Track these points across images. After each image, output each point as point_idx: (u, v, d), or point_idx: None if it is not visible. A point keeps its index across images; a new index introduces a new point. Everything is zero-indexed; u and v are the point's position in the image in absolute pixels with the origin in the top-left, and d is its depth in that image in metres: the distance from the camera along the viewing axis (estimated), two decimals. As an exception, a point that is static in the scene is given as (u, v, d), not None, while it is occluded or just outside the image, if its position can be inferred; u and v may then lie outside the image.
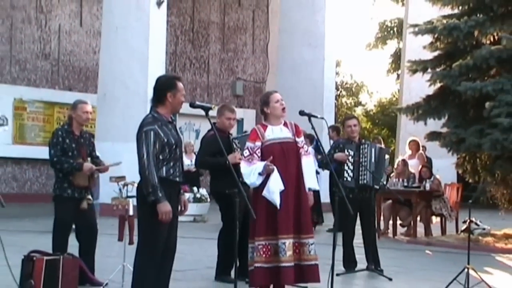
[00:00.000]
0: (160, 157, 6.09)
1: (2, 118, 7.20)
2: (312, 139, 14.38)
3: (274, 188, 7.10)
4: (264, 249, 7.18)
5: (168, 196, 6.04)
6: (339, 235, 9.32)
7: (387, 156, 10.09)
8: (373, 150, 9.81)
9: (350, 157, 9.67)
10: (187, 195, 15.95)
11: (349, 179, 9.69)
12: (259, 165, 7.18)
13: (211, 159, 8.49)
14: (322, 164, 10.16)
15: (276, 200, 7.07)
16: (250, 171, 7.17)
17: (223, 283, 8.44)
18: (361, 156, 9.72)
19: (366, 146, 9.80)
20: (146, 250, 6.11)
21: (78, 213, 8.14)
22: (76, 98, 9.10)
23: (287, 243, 7.13)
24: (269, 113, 7.47)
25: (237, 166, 7.27)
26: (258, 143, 7.34)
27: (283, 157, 7.28)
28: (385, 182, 10.12)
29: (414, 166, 15.45)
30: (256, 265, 7.12)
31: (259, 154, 7.30)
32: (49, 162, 8.24)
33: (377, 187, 9.85)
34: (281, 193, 7.14)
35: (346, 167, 9.71)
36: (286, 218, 7.15)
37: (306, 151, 7.52)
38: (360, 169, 9.68)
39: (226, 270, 8.62)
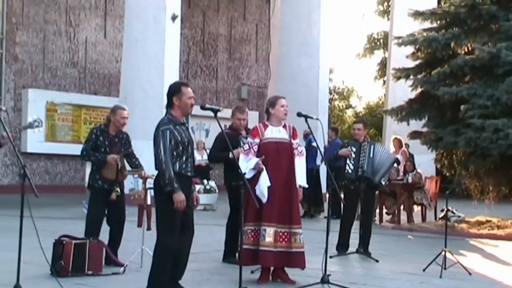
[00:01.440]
0: (174, 153, 6.11)
1: (38, 120, 7.24)
2: (307, 135, 14.57)
3: (263, 185, 7.15)
4: (252, 233, 7.22)
5: (181, 188, 6.07)
6: (333, 222, 9.32)
7: (395, 165, 10.23)
8: (372, 147, 9.83)
9: (352, 153, 9.76)
10: (198, 187, 15.97)
11: (349, 171, 9.80)
12: (252, 162, 7.22)
13: (218, 153, 8.55)
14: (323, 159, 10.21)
15: (265, 196, 7.11)
16: (245, 163, 7.21)
17: (229, 264, 8.46)
18: (361, 152, 9.80)
19: (366, 144, 9.88)
20: (164, 235, 6.11)
21: (109, 202, 8.19)
22: (100, 102, 9.20)
23: (268, 230, 7.16)
24: (272, 113, 7.49)
25: None
26: (257, 140, 7.37)
27: (277, 154, 7.31)
28: (384, 182, 10.14)
29: (396, 161, 15.44)
30: (245, 246, 7.15)
31: (255, 149, 7.33)
32: (80, 154, 8.36)
33: (371, 178, 9.85)
34: (269, 187, 7.17)
35: (348, 161, 9.84)
36: (270, 208, 7.17)
37: (300, 152, 7.53)
38: (360, 163, 9.75)
39: (231, 252, 8.64)
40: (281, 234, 7.22)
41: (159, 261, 6.13)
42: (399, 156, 15.63)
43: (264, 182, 7.16)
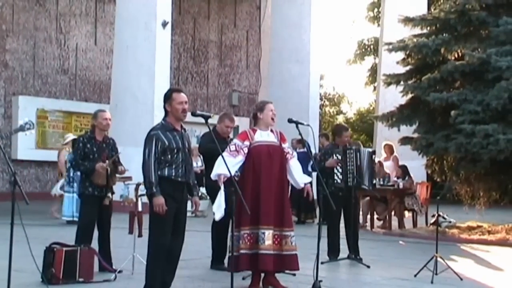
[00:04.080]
0: (162, 158, 6.17)
1: (29, 122, 7.26)
2: (304, 143, 14.50)
3: (217, 206, 7.07)
4: (248, 237, 7.21)
5: (171, 193, 6.12)
6: (324, 228, 9.32)
7: (374, 156, 10.20)
8: (358, 153, 9.77)
9: (339, 162, 9.67)
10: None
11: (339, 181, 9.68)
12: (221, 169, 7.02)
13: (212, 145, 8.51)
14: (313, 168, 10.20)
15: (218, 215, 7.02)
16: (218, 165, 7.05)
17: (219, 270, 8.45)
18: (348, 160, 9.71)
19: (352, 151, 9.76)
20: (155, 236, 6.18)
21: (100, 208, 8.20)
22: (91, 108, 9.25)
23: (267, 233, 7.16)
24: (260, 118, 7.50)
25: None
26: (247, 143, 7.38)
27: (269, 157, 7.33)
28: (374, 181, 10.16)
29: (389, 167, 15.47)
30: (241, 251, 7.14)
31: (246, 151, 7.32)
32: (70, 165, 8.42)
33: (365, 187, 9.87)
34: (265, 189, 7.20)
35: (336, 171, 9.69)
36: (268, 211, 7.19)
37: (292, 155, 7.57)
38: (348, 172, 9.69)
39: (219, 259, 8.63)
40: (276, 236, 7.23)
41: (153, 260, 6.20)
42: (389, 162, 15.69)
43: (219, 202, 7.05)
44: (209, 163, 8.64)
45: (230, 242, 7.33)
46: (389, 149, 16.07)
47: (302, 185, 7.54)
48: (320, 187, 7.55)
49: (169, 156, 6.20)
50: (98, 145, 8.28)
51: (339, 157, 9.69)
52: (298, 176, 7.50)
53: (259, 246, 7.14)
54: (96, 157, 8.20)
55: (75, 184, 13.92)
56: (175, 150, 6.25)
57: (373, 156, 10.19)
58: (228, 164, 6.62)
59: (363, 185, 9.81)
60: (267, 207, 7.18)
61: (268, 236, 7.15)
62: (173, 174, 6.21)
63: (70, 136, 14.46)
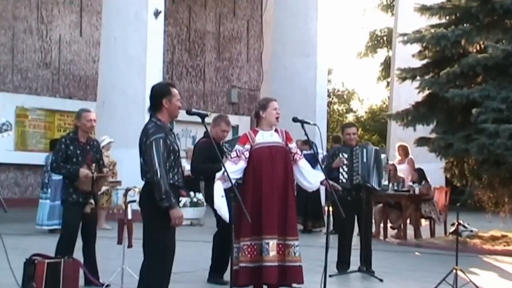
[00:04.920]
0: (167, 164, 6.09)
1: (6, 123, 7.22)
2: (311, 144, 14.47)
3: (219, 203, 7.03)
4: (249, 249, 7.20)
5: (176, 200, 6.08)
6: (333, 238, 9.31)
7: (383, 155, 10.18)
8: (364, 151, 9.88)
9: (345, 160, 9.73)
10: (184, 200, 15.93)
11: (343, 180, 9.75)
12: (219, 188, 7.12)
13: (205, 166, 8.51)
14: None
15: (225, 216, 6.96)
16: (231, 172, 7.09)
17: (217, 284, 8.44)
18: (354, 158, 9.80)
19: (357, 148, 9.88)
20: (159, 257, 6.08)
21: (84, 216, 8.20)
22: (76, 106, 9.21)
23: (271, 243, 7.16)
24: (263, 117, 7.50)
25: None
26: (248, 146, 7.39)
27: (271, 159, 7.33)
28: (387, 182, 10.18)
29: (403, 170, 15.47)
30: (241, 264, 7.13)
31: (247, 156, 7.33)
32: (50, 167, 8.35)
33: (370, 186, 9.85)
34: (267, 194, 7.18)
35: (341, 170, 9.81)
36: (270, 219, 7.18)
37: (300, 155, 7.57)
38: (353, 169, 9.74)
39: (218, 272, 8.62)
40: (280, 246, 7.23)
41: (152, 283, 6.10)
42: (404, 165, 15.68)
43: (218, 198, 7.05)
44: (208, 176, 8.64)
45: (235, 254, 7.28)
46: (404, 151, 16.06)
47: (318, 185, 7.51)
48: (328, 192, 7.51)
49: (172, 161, 6.15)
50: (82, 147, 8.27)
51: (345, 155, 9.77)
52: (311, 176, 7.48)
53: (263, 258, 7.12)
54: (80, 160, 8.19)
55: (49, 190, 13.93)
56: (177, 154, 6.24)
57: (383, 155, 10.22)
58: (228, 171, 6.63)
59: (369, 183, 9.80)
60: (270, 215, 7.17)
61: (272, 246, 7.14)
62: (176, 179, 6.18)
63: (107, 139, 14.38)
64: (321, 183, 7.57)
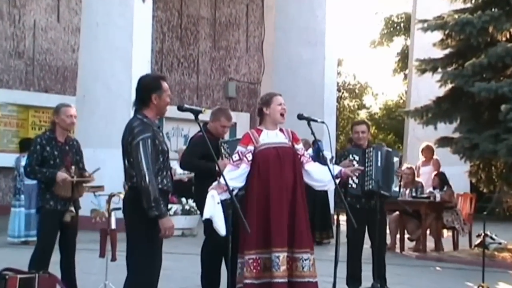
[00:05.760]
0: (156, 166, 6.07)
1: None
2: (313, 143, 14.50)
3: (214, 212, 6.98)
4: (254, 264, 7.18)
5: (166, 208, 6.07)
6: (343, 250, 9.29)
7: (396, 159, 10.02)
8: (379, 153, 9.76)
9: (355, 162, 9.59)
10: (175, 207, 15.94)
11: (354, 185, 9.63)
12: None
13: (199, 161, 8.49)
14: None
15: (221, 229, 6.90)
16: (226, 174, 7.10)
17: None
18: (366, 160, 9.70)
19: (371, 149, 9.78)
20: (144, 272, 6.06)
21: (62, 226, 8.18)
22: (52, 101, 9.19)
23: (281, 256, 7.13)
24: (267, 114, 7.50)
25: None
26: (251, 147, 7.37)
27: (279, 162, 7.32)
28: (397, 188, 10.02)
29: (428, 173, 15.48)
30: (247, 281, 7.11)
31: (250, 158, 7.32)
32: (24, 171, 8.32)
33: (385, 193, 9.81)
34: (275, 201, 7.17)
35: None
36: (280, 229, 7.15)
37: (307, 158, 7.57)
38: (366, 174, 9.66)
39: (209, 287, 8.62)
40: (288, 259, 7.23)
41: None
42: (429, 168, 15.68)
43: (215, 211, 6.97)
44: (200, 174, 8.65)
45: (239, 270, 7.26)
46: (429, 151, 16.07)
47: (332, 183, 7.47)
48: (339, 199, 7.50)
49: (161, 163, 6.15)
50: (60, 148, 8.25)
51: (356, 158, 9.66)
52: (323, 175, 7.46)
53: (273, 274, 7.10)
54: (58, 163, 8.17)
55: (22, 196, 13.93)
56: (166, 155, 6.22)
57: (395, 159, 10.09)
58: (227, 178, 6.63)
59: (384, 191, 9.73)
60: (280, 225, 7.15)
61: (282, 260, 7.13)
62: (165, 183, 6.16)
63: None
64: (337, 176, 7.54)
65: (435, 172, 15.42)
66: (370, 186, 9.63)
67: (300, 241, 7.29)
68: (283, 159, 7.33)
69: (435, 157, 15.93)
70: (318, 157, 11.28)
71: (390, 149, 10.47)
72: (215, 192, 7.01)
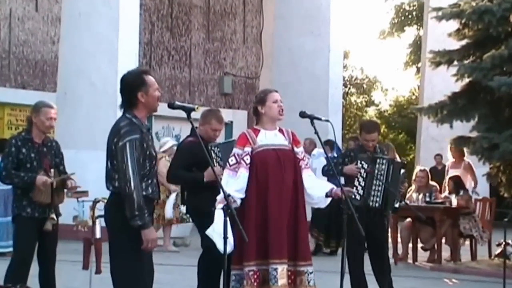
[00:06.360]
0: (141, 172, 6.06)
1: None
2: (333, 145, 14.45)
3: (216, 231, 6.93)
4: (255, 276, 7.18)
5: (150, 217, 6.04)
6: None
7: (403, 171, 9.91)
8: (391, 167, 9.50)
9: (362, 170, 9.48)
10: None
11: (357, 197, 9.41)
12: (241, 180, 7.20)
13: (186, 174, 8.45)
14: (324, 173, 9.99)
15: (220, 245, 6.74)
16: (233, 183, 7.14)
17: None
18: (376, 172, 9.52)
19: (384, 162, 9.55)
20: (132, 285, 6.05)
21: (41, 235, 8.15)
22: (30, 98, 9.15)
23: (280, 269, 7.13)
24: (263, 113, 7.48)
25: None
26: (248, 149, 7.35)
27: (279, 166, 7.30)
28: (397, 204, 9.86)
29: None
30: None
31: (248, 161, 7.31)
32: None
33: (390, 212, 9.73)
34: (274, 209, 7.18)
35: (356, 182, 9.48)
36: (279, 239, 7.15)
37: (306, 165, 7.54)
38: (373, 187, 9.51)
39: None
40: (290, 273, 7.22)
41: None
42: (460, 170, 15.68)
43: (217, 226, 6.90)
44: (191, 187, 8.64)
45: (235, 283, 7.27)
46: (459, 153, 16.05)
47: (324, 201, 7.47)
48: (345, 205, 7.46)
49: (148, 168, 6.13)
50: (37, 149, 8.21)
51: (365, 166, 9.52)
52: (316, 190, 7.44)
53: (271, 287, 7.12)
54: (35, 166, 8.15)
55: None
56: (154, 161, 6.21)
57: (403, 171, 9.98)
58: (230, 188, 6.63)
59: (390, 210, 9.62)
60: (279, 234, 7.15)
61: (281, 273, 7.12)
62: (150, 191, 6.15)
63: (170, 141, 14.34)
64: (328, 195, 7.50)
65: (472, 176, 15.37)
66: (376, 204, 9.46)
67: (304, 253, 7.30)
68: (283, 163, 7.31)
69: (466, 159, 15.87)
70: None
71: (397, 159, 10.37)
72: (221, 213, 6.95)
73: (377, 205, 9.45)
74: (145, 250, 5.96)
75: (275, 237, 7.14)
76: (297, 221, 7.30)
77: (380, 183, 9.44)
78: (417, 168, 15.42)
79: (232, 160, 7.38)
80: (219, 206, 6.96)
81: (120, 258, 6.07)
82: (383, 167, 9.52)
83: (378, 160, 9.55)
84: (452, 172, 15.44)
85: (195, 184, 8.24)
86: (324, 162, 11.64)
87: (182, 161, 8.54)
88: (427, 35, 23.19)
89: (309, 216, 8.24)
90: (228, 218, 6.17)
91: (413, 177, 14.92)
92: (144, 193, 6.01)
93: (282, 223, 7.19)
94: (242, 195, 7.23)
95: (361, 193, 9.48)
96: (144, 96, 6.15)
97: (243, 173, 7.26)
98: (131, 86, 6.19)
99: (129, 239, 5.95)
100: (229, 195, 6.57)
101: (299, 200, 7.35)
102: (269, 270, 7.13)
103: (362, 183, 9.44)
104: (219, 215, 6.84)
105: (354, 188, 9.42)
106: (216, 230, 6.84)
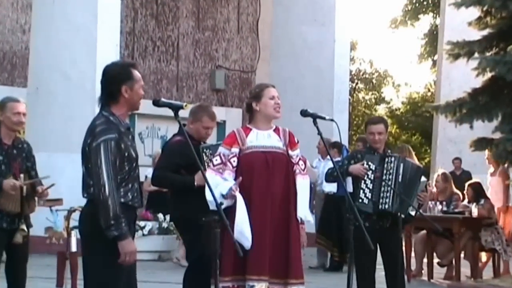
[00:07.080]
0: (118, 176, 6.04)
1: None
2: (341, 148, 14.44)
3: (243, 225, 7.06)
4: None
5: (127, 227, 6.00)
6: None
7: (424, 179, 9.89)
8: (401, 165, 9.57)
9: (370, 172, 9.47)
10: (150, 225, 15.95)
11: (365, 201, 9.38)
12: (225, 186, 7.18)
13: (174, 175, 8.44)
14: (328, 177, 9.97)
15: (247, 242, 7.04)
16: (217, 186, 7.11)
17: None
18: (385, 172, 9.54)
19: (392, 159, 9.58)
20: None
21: (9, 248, 8.15)
22: (-1, 94, 9.13)
23: (257, 287, 7.13)
24: (257, 111, 7.47)
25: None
26: (235, 149, 7.35)
27: (266, 170, 7.29)
28: (413, 213, 9.84)
29: (494, 186, 15.54)
30: None
31: (235, 164, 7.31)
32: None
33: (402, 216, 9.69)
34: (258, 218, 7.19)
35: (363, 185, 9.50)
36: (259, 253, 7.15)
37: (303, 170, 7.49)
38: (382, 189, 9.50)
39: None
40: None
41: None
42: (495, 178, 15.68)
43: (241, 218, 7.10)
44: (179, 193, 8.64)
45: None
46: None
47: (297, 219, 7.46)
48: (352, 214, 7.45)
49: (126, 172, 6.11)
50: (6, 152, 8.22)
51: (372, 167, 9.50)
52: (299, 204, 7.43)
53: None
54: (4, 170, 8.14)
55: None
56: (134, 163, 6.19)
57: (424, 179, 9.98)
58: (214, 190, 6.63)
59: (403, 214, 9.62)
60: (260, 247, 7.14)
61: None
62: (130, 198, 6.13)
63: None
64: (301, 220, 7.50)
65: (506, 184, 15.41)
66: (386, 206, 9.39)
67: (296, 270, 7.30)
68: (272, 168, 7.29)
69: (502, 166, 15.87)
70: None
71: (419, 165, 10.34)
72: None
73: (387, 206, 9.40)
74: (122, 264, 5.93)
75: (255, 252, 7.12)
76: (289, 235, 7.28)
77: (390, 183, 9.42)
78: (436, 173, 15.37)
79: (216, 160, 7.38)
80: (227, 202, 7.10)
81: (95, 274, 6.06)
82: (392, 164, 9.48)
83: (386, 159, 9.52)
84: (489, 181, 15.45)
85: (184, 188, 8.21)
86: None
87: (169, 162, 8.50)
88: (444, 24, 23.23)
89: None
90: (219, 230, 6.16)
91: (433, 183, 14.88)
92: (122, 200, 6.00)
93: (265, 234, 7.18)
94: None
95: (369, 197, 9.45)
96: (128, 91, 6.13)
97: (228, 175, 7.29)
98: (115, 78, 6.17)
99: (105, 253, 5.92)
100: (221, 204, 6.57)
101: (290, 210, 7.32)
102: (245, 287, 7.15)
103: (370, 186, 9.42)
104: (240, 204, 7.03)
105: (361, 191, 9.41)
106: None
